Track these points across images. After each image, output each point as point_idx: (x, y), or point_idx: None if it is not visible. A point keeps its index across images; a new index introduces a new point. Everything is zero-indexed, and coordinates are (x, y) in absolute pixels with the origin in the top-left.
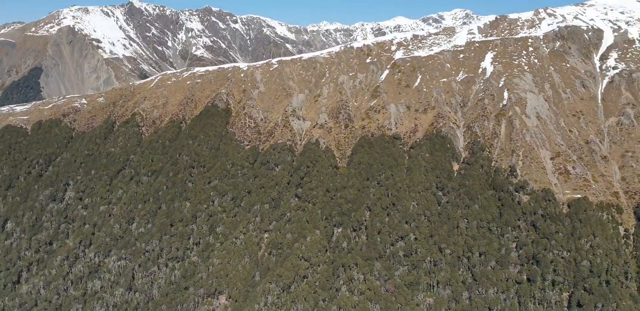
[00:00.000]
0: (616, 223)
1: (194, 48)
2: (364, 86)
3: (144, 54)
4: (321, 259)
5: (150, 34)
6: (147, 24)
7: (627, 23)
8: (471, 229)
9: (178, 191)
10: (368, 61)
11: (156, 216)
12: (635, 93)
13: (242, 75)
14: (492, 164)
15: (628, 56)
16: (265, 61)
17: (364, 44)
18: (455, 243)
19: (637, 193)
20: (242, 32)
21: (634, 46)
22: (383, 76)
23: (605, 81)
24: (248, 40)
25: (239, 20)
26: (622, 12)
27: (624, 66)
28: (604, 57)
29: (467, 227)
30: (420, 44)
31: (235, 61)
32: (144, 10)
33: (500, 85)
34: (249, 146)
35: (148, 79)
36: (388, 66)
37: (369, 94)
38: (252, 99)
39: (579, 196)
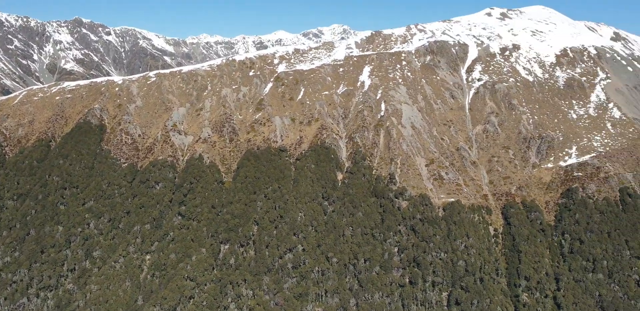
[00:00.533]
0: (486, 224)
1: (63, 61)
2: (248, 99)
3: (5, 68)
4: (208, 278)
5: (13, 47)
6: (9, 36)
7: (488, 38)
8: (356, 236)
9: (49, 215)
10: (251, 73)
11: (24, 243)
12: (498, 103)
13: (117, 89)
14: (373, 173)
15: (491, 68)
16: (142, 74)
17: (246, 57)
18: (341, 251)
19: (504, 194)
20: (116, 45)
21: (495, 59)
22: (267, 89)
23: (471, 92)
24: (123, 53)
25: (112, 32)
26: (484, 28)
27: (488, 77)
28: (469, 70)
29: (352, 235)
30: (302, 58)
31: (109, 75)
32: (4, 21)
33: (377, 97)
34: (126, 164)
35: (11, 94)
36: (271, 79)
37: (253, 107)
38: (128, 114)
39: (452, 199)
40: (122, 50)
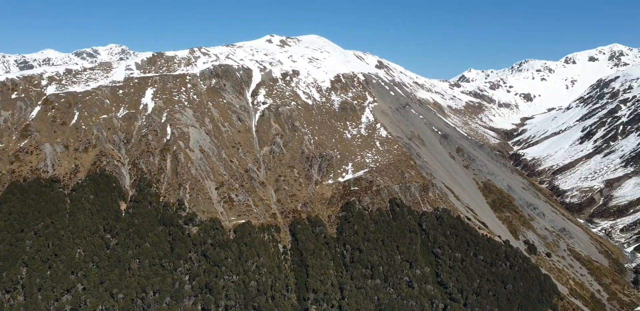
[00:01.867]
0: (276, 242)
1: None
2: (11, 124)
3: None
4: None
5: None
6: None
7: (270, 64)
8: (144, 268)
9: None
10: (14, 96)
11: None
12: (282, 125)
13: None
14: (161, 200)
15: (274, 92)
16: None
17: (7, 78)
18: (127, 285)
19: (291, 211)
20: None
21: (277, 84)
22: (34, 113)
23: (257, 115)
24: None
25: None
26: (265, 54)
27: (272, 101)
28: (254, 93)
29: (139, 267)
30: (75, 79)
31: None
32: None
33: (162, 120)
34: None
35: None
36: (39, 102)
37: (17, 134)
38: None
39: (243, 221)
40: None
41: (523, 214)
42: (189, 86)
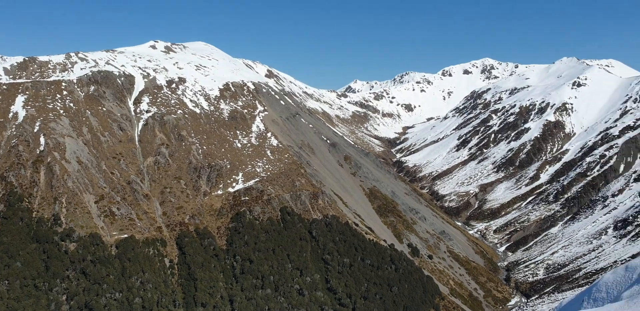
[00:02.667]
0: (162, 256)
1: None
2: None
3: None
4: None
5: None
6: None
7: (154, 70)
8: (14, 290)
9: None
10: None
11: None
12: (168, 134)
13: None
14: (34, 215)
15: (159, 100)
16: None
17: None
18: None
19: (178, 224)
20: None
21: (162, 91)
22: None
23: (140, 124)
24: None
25: None
26: (149, 60)
27: (156, 109)
28: (137, 101)
29: (8, 289)
30: None
31: None
32: None
33: (35, 130)
34: None
35: None
36: None
37: None
38: None
39: (125, 235)
40: None
41: (406, 219)
42: (64, 93)
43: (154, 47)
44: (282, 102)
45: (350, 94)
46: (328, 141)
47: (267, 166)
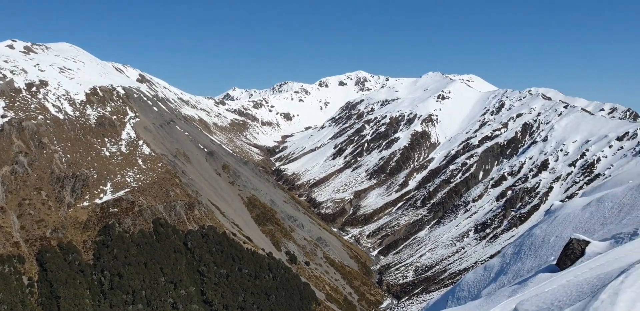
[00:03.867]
0: (19, 274)
1: None
2: None
3: None
4: None
5: None
6: None
7: (12, 72)
8: None
9: None
10: None
11: None
12: (27, 141)
13: None
14: None
15: (17, 104)
16: None
17: None
18: None
19: (38, 239)
20: None
21: (21, 95)
22: None
23: None
24: None
25: None
26: (6, 61)
27: (14, 114)
28: None
29: None
30: None
31: None
32: None
33: None
34: None
35: None
36: None
37: None
38: None
39: None
40: None
41: (285, 227)
42: None
43: (11, 46)
44: (155, 108)
45: (228, 102)
46: (205, 150)
47: (138, 176)
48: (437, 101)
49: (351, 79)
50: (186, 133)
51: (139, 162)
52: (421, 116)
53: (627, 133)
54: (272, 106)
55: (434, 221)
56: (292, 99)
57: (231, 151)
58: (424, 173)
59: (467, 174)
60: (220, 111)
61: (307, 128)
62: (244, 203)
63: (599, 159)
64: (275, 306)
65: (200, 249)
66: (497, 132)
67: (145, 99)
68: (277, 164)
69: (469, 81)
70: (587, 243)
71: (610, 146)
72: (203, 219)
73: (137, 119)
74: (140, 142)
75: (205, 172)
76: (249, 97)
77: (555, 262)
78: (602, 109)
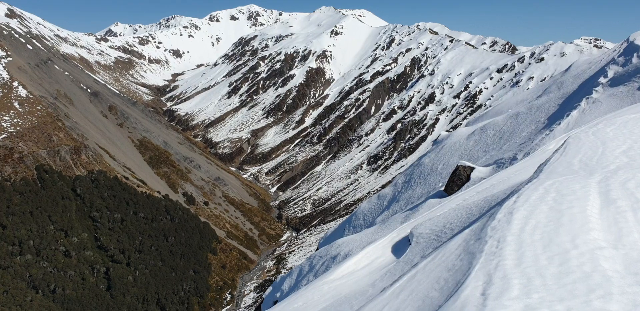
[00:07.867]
0: None
1: None
2: None
3: None
4: None
5: None
6: None
7: None
8: None
9: None
10: None
11: None
12: None
13: None
14: None
15: None
16: None
17: None
18: None
19: None
20: None
21: None
22: None
23: None
24: None
25: None
26: None
27: None
28: None
29: None
30: None
31: None
32: None
33: None
34: None
35: None
36: None
37: None
38: None
39: None
40: None
41: (180, 168)
42: None
43: None
44: (29, 46)
45: (111, 38)
46: (89, 90)
47: (16, 120)
48: (330, 36)
49: (243, 13)
50: (66, 73)
51: (15, 105)
52: (315, 52)
53: (505, 65)
54: (159, 43)
55: (329, 156)
56: (181, 34)
57: (117, 92)
58: (320, 109)
59: (360, 110)
60: (102, 48)
61: (199, 66)
62: (135, 146)
63: (480, 91)
64: (175, 247)
65: (90, 194)
66: (388, 67)
67: (17, 36)
68: (169, 104)
69: (360, 15)
70: (472, 169)
71: (490, 78)
72: (92, 164)
73: (10, 59)
74: (15, 83)
75: (90, 114)
76: (134, 33)
77: (443, 188)
78: (484, 43)
